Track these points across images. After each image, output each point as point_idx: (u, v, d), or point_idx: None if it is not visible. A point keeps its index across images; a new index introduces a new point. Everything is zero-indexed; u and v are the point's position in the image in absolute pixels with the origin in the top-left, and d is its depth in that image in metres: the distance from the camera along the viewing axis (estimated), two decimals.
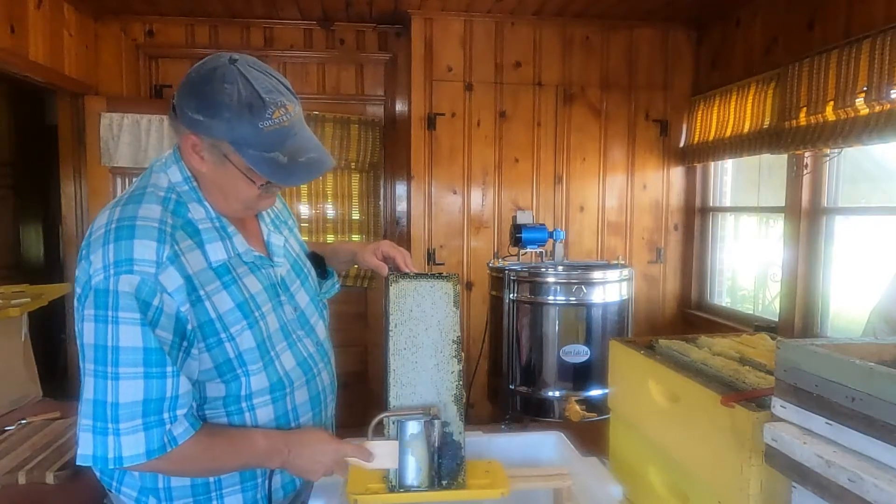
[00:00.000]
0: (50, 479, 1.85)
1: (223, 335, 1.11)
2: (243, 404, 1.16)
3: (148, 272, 1.03)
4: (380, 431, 1.17)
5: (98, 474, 1.20)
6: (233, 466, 1.16)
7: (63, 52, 3.33)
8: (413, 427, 1.15)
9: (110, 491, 1.20)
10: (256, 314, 1.16)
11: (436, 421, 1.16)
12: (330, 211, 4.00)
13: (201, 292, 1.09)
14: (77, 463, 1.03)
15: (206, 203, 1.15)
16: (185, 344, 1.07)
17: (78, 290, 1.06)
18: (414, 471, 1.15)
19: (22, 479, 1.84)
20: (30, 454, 1.99)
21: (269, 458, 1.15)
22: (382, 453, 1.16)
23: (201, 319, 1.09)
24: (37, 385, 2.65)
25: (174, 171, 1.15)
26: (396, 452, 1.15)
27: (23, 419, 2.29)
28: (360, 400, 3.62)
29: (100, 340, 1.01)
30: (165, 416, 1.03)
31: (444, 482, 1.17)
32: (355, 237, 4.05)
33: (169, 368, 1.03)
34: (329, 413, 1.34)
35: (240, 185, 1.12)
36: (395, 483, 1.15)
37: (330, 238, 4.00)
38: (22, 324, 2.57)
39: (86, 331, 1.03)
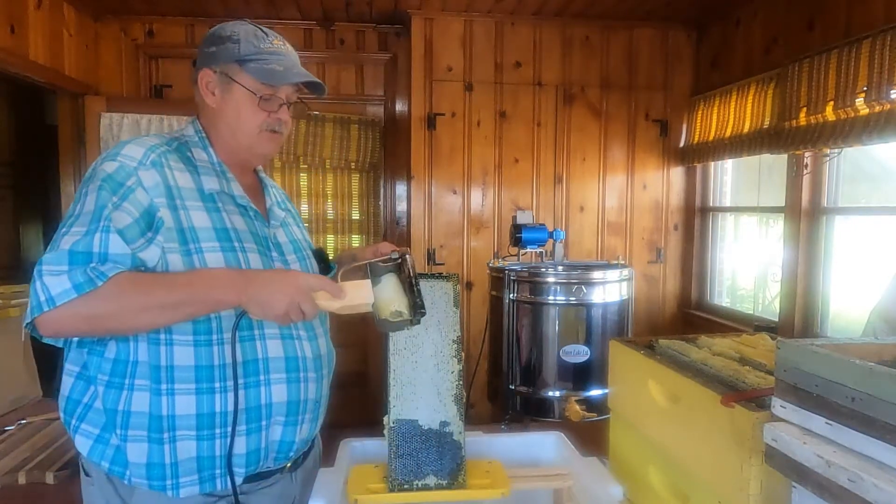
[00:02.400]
0: (50, 479, 1.86)
1: (192, 246, 1.14)
2: (214, 336, 1.15)
3: (129, 165, 1.13)
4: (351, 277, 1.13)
5: (62, 415, 1.20)
6: (179, 302, 1.07)
7: (63, 52, 3.33)
8: (383, 265, 1.14)
9: (70, 433, 1.19)
10: (236, 244, 1.19)
11: (407, 256, 1.16)
12: (330, 211, 4.00)
13: (177, 202, 1.15)
14: (23, 327, 1.08)
15: (210, 150, 1.26)
16: (150, 233, 1.11)
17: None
18: (393, 303, 1.11)
19: (22, 479, 1.85)
20: (30, 454, 1.99)
21: (220, 293, 1.07)
22: (354, 291, 1.10)
23: (171, 224, 1.13)
24: (37, 385, 2.65)
25: (188, 128, 1.29)
26: (370, 289, 1.10)
27: (23, 419, 2.29)
28: (360, 400, 3.62)
29: (69, 214, 1.11)
30: (92, 263, 1.05)
31: (452, 482, 1.17)
32: (355, 237, 4.05)
33: (102, 223, 1.07)
34: (311, 391, 1.26)
35: (244, 109, 1.23)
36: (377, 321, 1.11)
37: (330, 238, 4.00)
38: (22, 324, 2.57)
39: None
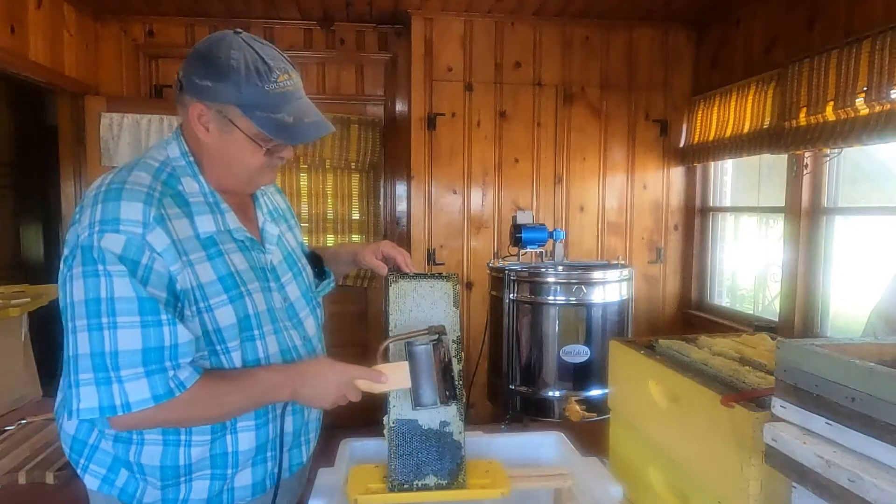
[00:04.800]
0: (50, 479, 1.86)
1: (202, 305, 1.10)
2: None
3: (134, 232, 1.03)
4: (385, 359, 1.19)
5: (67, 452, 1.18)
6: (242, 407, 1.14)
7: (63, 52, 3.33)
8: (421, 348, 1.16)
9: (78, 473, 1.17)
10: (242, 289, 1.15)
11: (442, 338, 1.17)
12: (330, 211, 4.00)
13: (183, 258, 1.09)
14: (80, 418, 1.02)
15: (201, 178, 1.16)
16: (178, 305, 1.07)
17: (66, 251, 1.06)
18: (429, 391, 1.16)
19: (22, 479, 1.85)
20: (30, 454, 2.00)
21: (275, 392, 1.14)
22: (393, 375, 1.17)
23: (186, 287, 1.09)
24: (37, 385, 2.65)
25: (173, 147, 1.17)
26: (407, 373, 1.16)
27: (23, 419, 2.29)
28: (360, 400, 3.61)
29: (90, 294, 1.01)
30: (167, 363, 1.03)
31: (452, 482, 1.17)
32: (355, 237, 4.05)
33: (164, 317, 1.03)
34: (314, 414, 1.32)
35: (245, 152, 1.13)
36: (413, 404, 1.17)
37: (330, 238, 4.00)
38: (22, 324, 2.58)
39: (74, 288, 1.02)
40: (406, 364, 1.16)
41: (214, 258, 1.13)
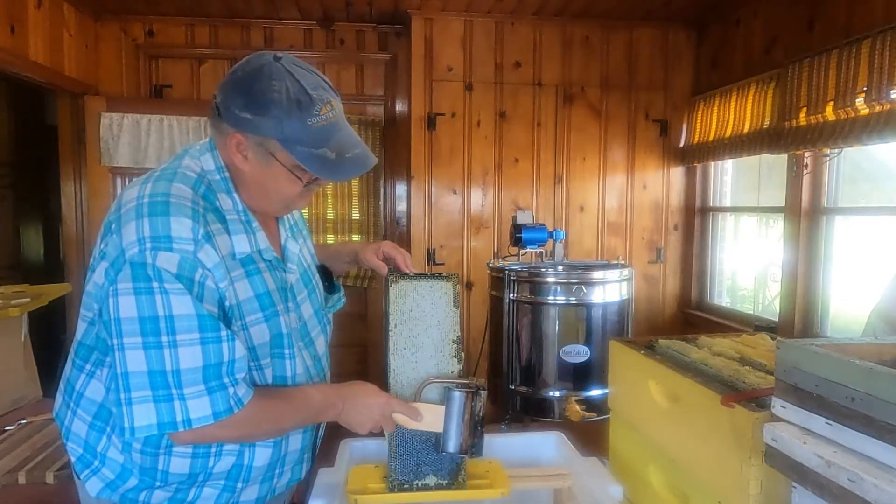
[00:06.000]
0: (50, 478, 1.86)
1: (238, 323, 1.10)
2: None
3: (187, 250, 1.02)
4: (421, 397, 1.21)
5: (78, 455, 1.16)
6: (292, 424, 1.17)
7: (63, 52, 3.33)
8: (459, 393, 1.17)
9: (87, 472, 1.16)
10: (275, 308, 1.16)
11: (481, 392, 1.18)
12: (330, 211, 4.00)
13: (227, 276, 1.08)
14: (135, 436, 1.01)
15: (235, 196, 1.14)
16: (226, 320, 1.07)
17: (106, 263, 1.03)
18: (455, 439, 1.17)
19: (22, 479, 1.85)
20: (30, 454, 2.00)
21: (324, 412, 1.17)
22: (429, 416, 1.18)
23: (231, 304, 1.09)
24: (37, 385, 2.65)
25: (207, 160, 1.14)
26: (442, 417, 1.17)
27: (23, 419, 2.29)
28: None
29: (146, 312, 0.99)
30: (226, 380, 1.03)
31: (452, 482, 1.19)
32: (355, 237, 4.05)
33: (223, 333, 1.03)
34: (320, 432, 1.33)
35: (284, 183, 1.13)
36: (439, 448, 1.18)
37: (330, 238, 4.00)
38: (22, 324, 2.57)
39: (122, 304, 1.00)
40: (443, 409, 1.17)
41: (252, 276, 1.13)
